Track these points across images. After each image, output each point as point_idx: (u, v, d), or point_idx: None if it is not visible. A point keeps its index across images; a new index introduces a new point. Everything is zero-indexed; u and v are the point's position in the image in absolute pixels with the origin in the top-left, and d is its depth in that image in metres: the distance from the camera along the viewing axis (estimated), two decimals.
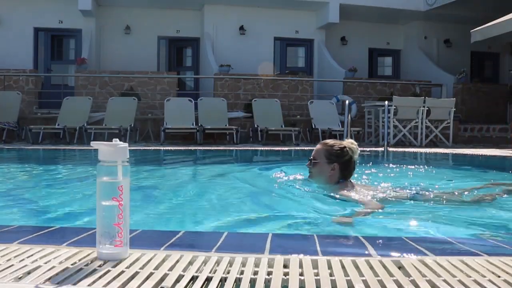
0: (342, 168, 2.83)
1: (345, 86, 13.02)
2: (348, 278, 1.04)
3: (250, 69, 13.02)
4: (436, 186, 3.63)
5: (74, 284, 0.97)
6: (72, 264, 1.09)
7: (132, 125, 9.87)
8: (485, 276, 1.05)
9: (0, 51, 12.54)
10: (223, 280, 1.02)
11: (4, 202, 3.29)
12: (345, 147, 2.84)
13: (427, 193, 3.14)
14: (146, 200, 3.38)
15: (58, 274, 1.02)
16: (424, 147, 9.27)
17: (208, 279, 1.02)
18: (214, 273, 1.06)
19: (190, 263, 1.12)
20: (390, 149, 8.02)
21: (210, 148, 8.23)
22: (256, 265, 1.12)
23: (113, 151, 1.14)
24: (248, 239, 1.44)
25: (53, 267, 1.07)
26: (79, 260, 1.13)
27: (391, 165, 6.45)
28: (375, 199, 2.66)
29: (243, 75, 12.27)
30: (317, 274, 1.06)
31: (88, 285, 0.97)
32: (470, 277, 1.05)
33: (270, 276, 1.05)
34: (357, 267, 1.11)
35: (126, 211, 1.16)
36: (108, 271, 1.06)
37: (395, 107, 9.78)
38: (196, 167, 6.56)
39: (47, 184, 4.35)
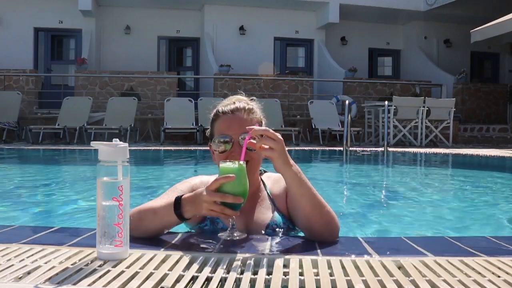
0: None
1: (345, 86, 13.02)
2: (348, 278, 1.04)
3: (250, 69, 13.02)
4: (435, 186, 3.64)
5: (74, 284, 0.97)
6: (72, 264, 1.09)
7: (132, 125, 9.87)
8: (485, 276, 1.05)
9: (0, 51, 12.54)
10: (223, 280, 1.02)
11: (4, 202, 3.29)
12: None
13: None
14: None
15: (58, 274, 1.02)
16: (424, 147, 9.27)
17: (208, 279, 1.02)
18: (214, 273, 1.06)
19: (190, 263, 1.13)
20: (390, 149, 8.03)
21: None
22: (256, 265, 1.12)
23: (113, 151, 1.14)
24: (248, 240, 1.44)
25: (53, 267, 1.07)
26: (79, 260, 1.13)
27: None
28: None
29: (243, 75, 12.28)
30: (317, 274, 1.06)
31: (88, 285, 0.97)
32: (470, 277, 1.05)
33: (270, 276, 1.05)
34: (357, 267, 1.12)
35: (126, 211, 1.16)
36: (108, 271, 1.06)
37: (395, 107, 9.78)
38: (196, 167, 6.57)
39: (47, 184, 4.36)
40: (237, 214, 1.28)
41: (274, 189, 1.64)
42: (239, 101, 1.61)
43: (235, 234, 1.34)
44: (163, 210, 1.35)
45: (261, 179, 1.67)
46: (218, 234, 1.40)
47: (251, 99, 1.67)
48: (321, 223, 1.37)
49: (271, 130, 1.30)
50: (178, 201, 1.33)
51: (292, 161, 1.34)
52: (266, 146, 1.28)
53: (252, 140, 1.29)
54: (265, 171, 1.74)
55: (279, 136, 1.29)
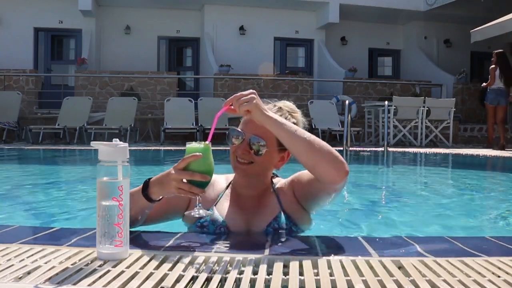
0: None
1: (345, 86, 13.02)
2: (348, 278, 1.04)
3: (250, 69, 13.02)
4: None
5: (74, 284, 0.97)
6: (72, 264, 1.09)
7: (132, 125, 9.87)
8: (485, 276, 1.05)
9: (0, 51, 12.54)
10: (223, 280, 1.02)
11: (4, 203, 3.29)
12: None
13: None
14: None
15: (58, 274, 1.02)
16: (424, 147, 9.27)
17: (208, 279, 1.02)
18: (214, 273, 1.06)
19: (190, 263, 1.13)
20: (390, 149, 8.03)
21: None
22: (256, 265, 1.12)
23: (113, 151, 1.14)
24: (248, 239, 1.44)
25: (53, 267, 1.07)
26: (79, 260, 1.13)
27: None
28: None
29: (243, 75, 12.28)
30: (317, 274, 1.06)
31: (88, 285, 0.97)
32: (470, 277, 1.05)
33: (270, 276, 1.05)
34: (357, 267, 1.12)
35: (126, 211, 1.16)
36: (108, 271, 1.06)
37: (395, 107, 9.78)
38: None
39: (47, 184, 4.35)
40: (203, 192, 1.31)
41: (281, 189, 1.65)
42: (283, 107, 1.60)
43: (201, 212, 1.36)
44: (136, 194, 1.38)
45: (271, 181, 1.68)
46: (185, 212, 1.46)
47: (296, 112, 1.64)
48: (320, 154, 1.35)
49: (240, 92, 1.36)
50: (146, 183, 1.37)
51: (272, 114, 1.38)
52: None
53: (231, 107, 1.35)
54: (276, 176, 1.73)
55: (250, 90, 1.37)
